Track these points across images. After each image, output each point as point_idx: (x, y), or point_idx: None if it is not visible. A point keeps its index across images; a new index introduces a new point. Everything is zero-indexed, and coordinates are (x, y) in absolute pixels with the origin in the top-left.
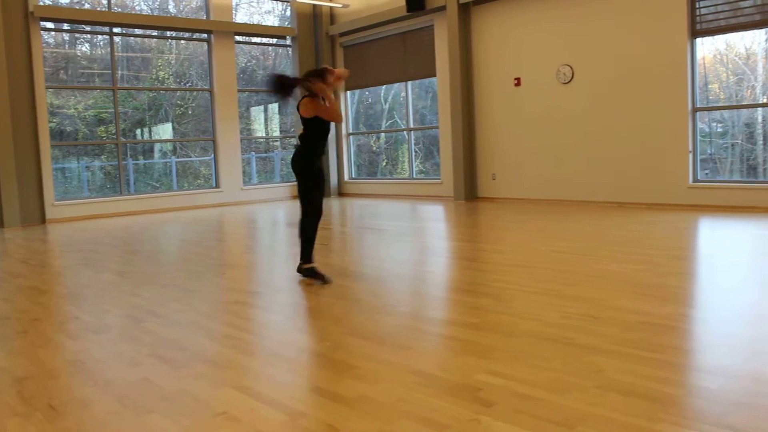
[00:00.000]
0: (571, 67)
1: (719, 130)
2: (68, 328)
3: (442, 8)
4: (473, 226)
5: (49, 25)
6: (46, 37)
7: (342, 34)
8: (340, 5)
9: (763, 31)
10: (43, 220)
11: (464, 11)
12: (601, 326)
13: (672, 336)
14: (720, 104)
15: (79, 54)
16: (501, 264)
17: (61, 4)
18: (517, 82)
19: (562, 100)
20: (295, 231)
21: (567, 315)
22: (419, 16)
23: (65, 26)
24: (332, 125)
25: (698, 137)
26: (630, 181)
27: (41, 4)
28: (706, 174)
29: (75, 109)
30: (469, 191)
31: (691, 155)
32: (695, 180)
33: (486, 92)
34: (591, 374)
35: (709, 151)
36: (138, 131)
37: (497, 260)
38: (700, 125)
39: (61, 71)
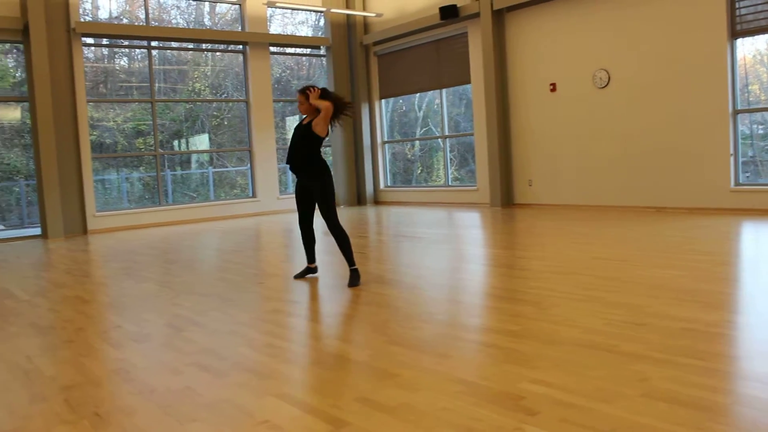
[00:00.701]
0: (607, 72)
1: (761, 131)
2: (111, 336)
3: (476, 15)
4: (510, 233)
5: (89, 40)
6: (86, 52)
7: (376, 43)
8: (373, 14)
9: None
10: (84, 231)
11: (498, 18)
12: (645, 333)
13: (718, 343)
14: (761, 105)
15: (117, 68)
16: (540, 271)
17: (101, 20)
18: (553, 87)
19: (598, 104)
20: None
21: (609, 322)
22: (453, 23)
23: (105, 41)
24: (298, 145)
25: (739, 139)
26: (670, 185)
27: (82, 20)
28: (747, 177)
29: (114, 121)
30: (505, 198)
31: (732, 158)
32: (737, 183)
33: (521, 98)
34: (635, 382)
35: (750, 154)
36: (175, 142)
37: (536, 267)
38: (740, 127)
39: (101, 85)
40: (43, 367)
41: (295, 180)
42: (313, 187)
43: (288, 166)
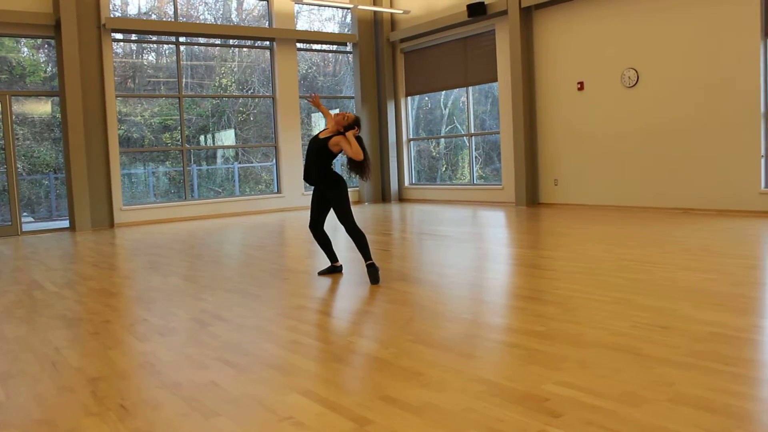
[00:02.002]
0: (635, 71)
1: None
2: (137, 330)
3: (504, 13)
4: (535, 232)
5: (119, 36)
6: (115, 47)
7: (403, 40)
8: (401, 11)
9: None
10: (111, 224)
11: (526, 15)
12: (671, 337)
13: (746, 348)
14: None
15: (145, 63)
16: (565, 271)
17: (130, 15)
18: (580, 86)
19: (626, 104)
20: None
21: (635, 324)
22: (480, 21)
23: (133, 37)
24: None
25: None
26: (698, 186)
27: (112, 16)
28: None
29: (141, 116)
30: (530, 197)
31: (763, 160)
32: (767, 185)
33: (548, 97)
34: (662, 386)
35: None
36: (201, 138)
37: (561, 267)
38: None
39: (129, 80)
40: (70, 358)
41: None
42: (330, 197)
43: (304, 178)
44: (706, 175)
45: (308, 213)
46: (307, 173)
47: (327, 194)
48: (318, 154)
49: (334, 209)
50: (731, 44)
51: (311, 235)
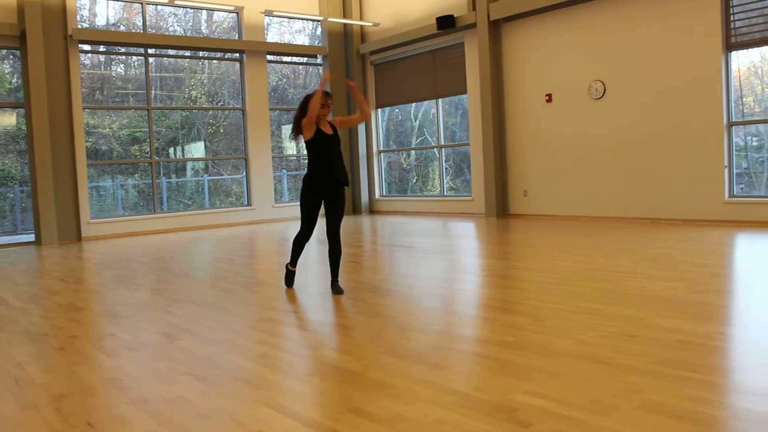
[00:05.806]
0: (602, 83)
1: (755, 143)
2: (105, 345)
3: (473, 26)
4: (505, 243)
5: (86, 47)
6: (82, 58)
7: (372, 53)
8: (370, 24)
9: None
10: (79, 238)
11: (495, 28)
12: (639, 345)
13: (712, 355)
14: (755, 117)
15: (114, 75)
16: (535, 282)
17: (98, 26)
18: (549, 98)
19: (594, 115)
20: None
21: (604, 334)
22: (450, 33)
23: (101, 48)
24: (337, 144)
25: (734, 151)
26: (664, 197)
27: (80, 27)
28: (741, 189)
29: (110, 128)
30: (500, 208)
31: (726, 170)
32: (731, 195)
33: (517, 108)
34: (630, 395)
35: (744, 165)
36: (171, 150)
37: (531, 278)
38: (735, 139)
39: (97, 92)
40: (34, 375)
41: (314, 190)
42: (341, 195)
43: (333, 179)
44: (672, 186)
45: (279, 225)
46: (339, 171)
47: (341, 191)
48: (339, 149)
49: (338, 211)
50: (694, 57)
51: (296, 242)
